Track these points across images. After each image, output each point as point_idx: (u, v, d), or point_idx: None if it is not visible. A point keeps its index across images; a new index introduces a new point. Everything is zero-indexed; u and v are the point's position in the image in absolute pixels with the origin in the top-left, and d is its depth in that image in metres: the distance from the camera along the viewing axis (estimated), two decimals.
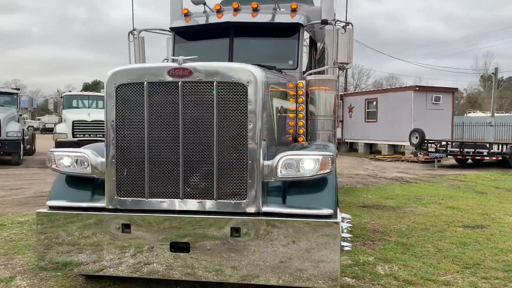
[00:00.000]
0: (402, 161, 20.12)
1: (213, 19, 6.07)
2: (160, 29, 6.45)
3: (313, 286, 3.71)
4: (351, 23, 5.81)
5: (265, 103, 3.93)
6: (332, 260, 3.63)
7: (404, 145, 21.91)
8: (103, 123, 4.05)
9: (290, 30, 5.98)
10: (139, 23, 6.17)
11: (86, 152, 4.11)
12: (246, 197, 3.80)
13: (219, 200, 3.85)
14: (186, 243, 3.83)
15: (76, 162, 4.13)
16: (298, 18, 5.95)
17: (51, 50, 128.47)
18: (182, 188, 3.89)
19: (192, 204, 3.89)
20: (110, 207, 3.98)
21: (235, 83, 3.77)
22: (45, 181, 12.39)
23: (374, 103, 23.80)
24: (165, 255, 3.85)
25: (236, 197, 3.83)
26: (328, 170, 3.81)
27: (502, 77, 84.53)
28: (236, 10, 6.01)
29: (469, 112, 52.04)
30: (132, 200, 3.97)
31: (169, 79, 3.84)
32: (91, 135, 17.45)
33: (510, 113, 51.27)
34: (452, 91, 22.95)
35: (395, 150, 23.17)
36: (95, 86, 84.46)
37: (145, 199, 3.95)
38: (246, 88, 3.75)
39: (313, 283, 3.67)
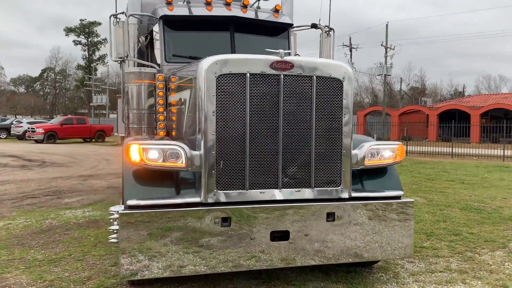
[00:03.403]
0: None
1: (202, 11, 5.95)
2: (149, 15, 5.94)
3: (395, 257, 4.30)
4: (333, 29, 6.48)
5: None
6: (410, 234, 4.26)
7: None
8: None
9: (281, 30, 6.31)
10: None
11: (180, 144, 3.81)
12: (340, 184, 4.14)
13: (316, 188, 4.08)
14: (286, 231, 3.95)
15: (166, 155, 3.79)
16: (288, 19, 6.33)
17: None
18: (281, 179, 3.99)
19: (290, 193, 4.03)
20: (209, 201, 3.81)
21: (332, 78, 4.05)
22: None
23: None
24: (266, 245, 3.90)
25: (332, 184, 4.13)
26: (400, 158, 4.44)
27: None
28: (228, 4, 6.03)
29: None
30: (232, 192, 3.88)
31: (271, 71, 3.90)
32: None
33: None
34: None
35: None
36: None
37: (245, 191, 3.91)
38: (342, 83, 4.08)
39: (395, 255, 4.25)
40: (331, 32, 6.47)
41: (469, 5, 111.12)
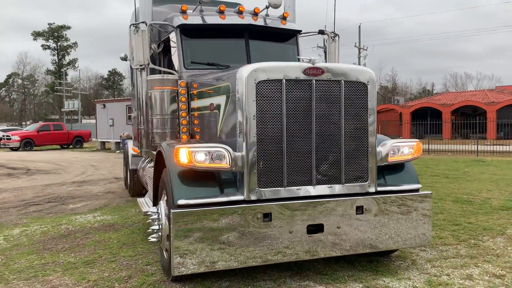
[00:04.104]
0: None
1: (218, 19, 6.22)
2: (167, 24, 6.14)
3: (417, 245, 4.69)
4: (338, 35, 6.88)
5: None
6: (428, 222, 4.66)
7: None
8: None
9: (291, 36, 6.65)
10: None
11: (224, 146, 4.08)
12: (367, 180, 4.50)
13: (346, 184, 4.43)
14: (320, 225, 4.28)
15: (213, 157, 4.06)
16: (296, 26, 6.67)
17: None
18: (314, 176, 4.32)
19: (323, 189, 4.36)
20: (252, 198, 4.10)
21: (358, 82, 4.41)
22: None
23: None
24: (303, 237, 4.22)
25: (360, 180, 4.48)
26: (418, 154, 4.83)
27: None
28: (241, 13, 6.32)
29: None
30: (272, 190, 4.18)
31: (304, 77, 4.23)
32: None
33: None
34: None
35: None
36: None
37: (283, 188, 4.22)
38: (367, 86, 4.44)
39: (416, 241, 4.64)
40: (336, 38, 6.85)
41: (431, 6, 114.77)
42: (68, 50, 79.17)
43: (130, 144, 10.04)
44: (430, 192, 4.75)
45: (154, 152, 6.66)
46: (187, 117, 5.76)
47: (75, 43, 79.25)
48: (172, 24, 6.08)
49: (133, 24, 5.89)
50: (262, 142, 4.13)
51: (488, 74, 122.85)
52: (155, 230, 4.63)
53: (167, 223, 4.44)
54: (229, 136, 4.49)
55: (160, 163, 4.96)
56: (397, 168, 4.89)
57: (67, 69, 78.98)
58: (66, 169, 17.30)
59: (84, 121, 67.08)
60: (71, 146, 33.79)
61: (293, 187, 4.26)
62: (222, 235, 3.97)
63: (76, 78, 78.84)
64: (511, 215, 7.54)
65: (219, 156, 4.07)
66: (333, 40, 6.83)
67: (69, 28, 77.89)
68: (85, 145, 34.82)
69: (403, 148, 4.76)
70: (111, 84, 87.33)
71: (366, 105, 4.45)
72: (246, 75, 4.09)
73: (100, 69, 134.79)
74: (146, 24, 5.92)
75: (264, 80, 4.11)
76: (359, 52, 42.41)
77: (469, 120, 34.20)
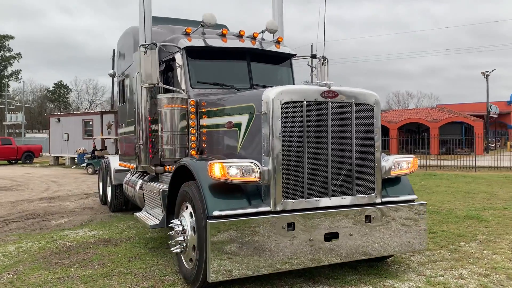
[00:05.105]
0: None
1: (219, 42, 6.60)
2: (173, 45, 6.40)
3: (415, 249, 5.24)
4: (327, 59, 7.47)
5: None
6: (424, 228, 5.24)
7: None
8: None
9: (286, 59, 7.15)
10: None
11: (254, 161, 4.45)
12: (374, 191, 5.01)
13: (357, 195, 4.92)
14: (336, 233, 4.73)
15: (243, 171, 4.40)
16: (291, 50, 7.18)
17: None
18: (330, 188, 4.78)
19: (337, 201, 4.83)
20: (277, 209, 4.49)
21: (366, 104, 4.95)
22: None
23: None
24: (321, 244, 4.65)
25: (368, 191, 4.99)
26: (414, 168, 5.42)
27: None
28: (241, 37, 6.74)
29: None
30: (295, 201, 4.59)
31: (321, 99, 4.71)
32: None
33: None
34: None
35: None
36: None
37: (304, 199, 4.64)
38: (373, 108, 4.99)
39: (415, 246, 5.19)
40: (326, 61, 7.43)
41: (368, 26, 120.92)
42: (11, 61, 75.68)
43: (112, 160, 10.08)
44: (425, 202, 5.34)
45: (153, 168, 6.92)
46: (196, 133, 6.06)
47: (19, 54, 75.99)
48: (178, 46, 6.38)
49: (142, 45, 6.14)
50: (286, 158, 4.54)
51: (428, 93, 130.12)
52: (179, 241, 4.87)
53: (193, 234, 4.72)
54: (250, 151, 4.86)
55: (179, 177, 5.23)
56: (395, 180, 5.45)
57: (9, 80, 75.37)
58: (26, 186, 16.75)
59: (27, 135, 64.22)
60: (19, 162, 32.41)
61: (312, 199, 4.68)
62: (253, 243, 4.31)
63: (19, 90, 75.60)
64: (477, 223, 8.35)
65: (249, 171, 4.43)
66: (323, 63, 7.41)
67: (12, 38, 74.67)
68: (35, 160, 33.51)
69: (402, 163, 5.33)
70: (56, 97, 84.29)
71: (373, 124, 4.99)
72: (273, 96, 4.51)
73: (42, 81, 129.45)
74: (156, 45, 6.19)
75: (288, 102, 4.54)
76: (312, 71, 43.73)
77: (414, 136, 36.27)
